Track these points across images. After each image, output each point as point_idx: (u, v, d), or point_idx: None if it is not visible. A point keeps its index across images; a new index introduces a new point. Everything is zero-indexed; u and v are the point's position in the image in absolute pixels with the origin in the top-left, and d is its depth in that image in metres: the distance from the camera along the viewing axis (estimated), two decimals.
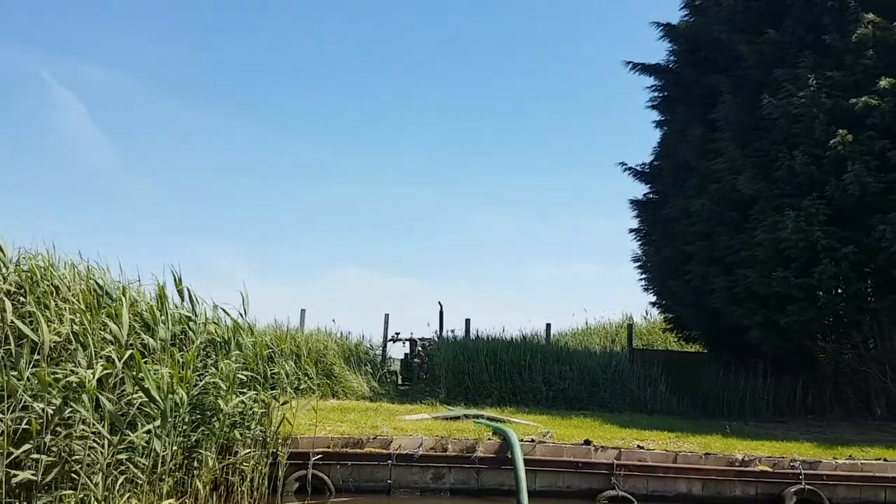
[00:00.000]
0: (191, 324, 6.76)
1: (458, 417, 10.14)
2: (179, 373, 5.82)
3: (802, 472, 8.37)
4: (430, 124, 43.66)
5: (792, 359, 14.45)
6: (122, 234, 37.14)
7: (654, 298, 18.40)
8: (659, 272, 16.74)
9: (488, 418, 10.19)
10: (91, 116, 39.27)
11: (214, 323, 7.17)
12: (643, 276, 18.28)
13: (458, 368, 14.06)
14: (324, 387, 13.52)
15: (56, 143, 37.32)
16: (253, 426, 7.00)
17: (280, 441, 7.53)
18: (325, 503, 7.49)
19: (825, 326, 12.41)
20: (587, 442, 8.47)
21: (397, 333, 17.59)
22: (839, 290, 12.08)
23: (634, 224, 18.48)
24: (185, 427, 5.92)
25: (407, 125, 42.94)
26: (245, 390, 6.73)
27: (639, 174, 18.31)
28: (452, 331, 16.71)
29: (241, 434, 6.70)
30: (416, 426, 9.03)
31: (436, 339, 16.67)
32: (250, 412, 6.90)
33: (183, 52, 40.78)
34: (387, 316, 17.44)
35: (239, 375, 6.68)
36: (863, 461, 8.66)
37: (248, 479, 6.80)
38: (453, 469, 8.03)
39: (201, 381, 6.25)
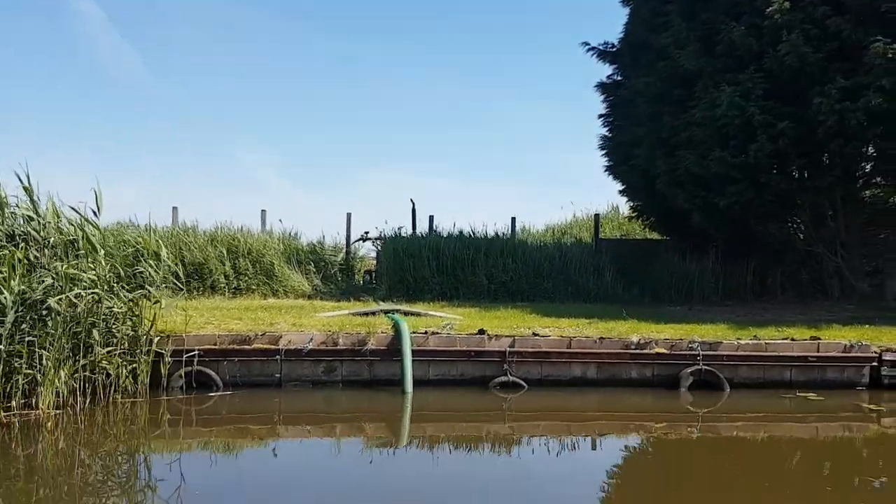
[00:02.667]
0: (32, 223, 6.52)
1: (374, 313, 10.10)
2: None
3: (700, 353, 8.28)
4: None
5: (744, 243, 14.20)
6: (145, 135, 36.74)
7: (620, 186, 17.98)
8: (618, 158, 16.25)
9: (404, 312, 10.14)
10: (111, 20, 37.91)
11: (74, 224, 6.90)
12: (608, 163, 17.74)
13: (400, 265, 13.97)
14: (263, 286, 13.56)
15: (77, 49, 36.27)
16: (118, 326, 6.92)
17: (164, 339, 7.51)
18: (211, 397, 7.54)
19: (768, 207, 12.01)
20: (481, 331, 8.40)
21: (366, 233, 17.49)
22: (778, 169, 11.60)
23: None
24: (13, 329, 5.83)
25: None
26: (96, 291, 6.57)
27: (603, 54, 17.40)
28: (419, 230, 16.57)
29: (100, 334, 6.61)
30: (326, 322, 8.99)
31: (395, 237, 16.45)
32: (108, 312, 6.79)
33: None
34: (349, 215, 17.28)
35: (88, 276, 6.51)
36: (768, 341, 8.54)
37: (115, 377, 6.77)
38: (345, 362, 8.02)
39: (40, 282, 6.11)
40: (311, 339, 7.98)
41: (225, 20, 38.56)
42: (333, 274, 15.42)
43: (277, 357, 7.84)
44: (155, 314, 7.40)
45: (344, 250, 16.67)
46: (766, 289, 14.71)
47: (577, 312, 10.86)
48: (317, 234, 16.40)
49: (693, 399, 8.06)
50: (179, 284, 7.63)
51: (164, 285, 11.42)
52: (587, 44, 17.26)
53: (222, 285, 13.32)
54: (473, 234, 15.43)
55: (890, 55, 9.65)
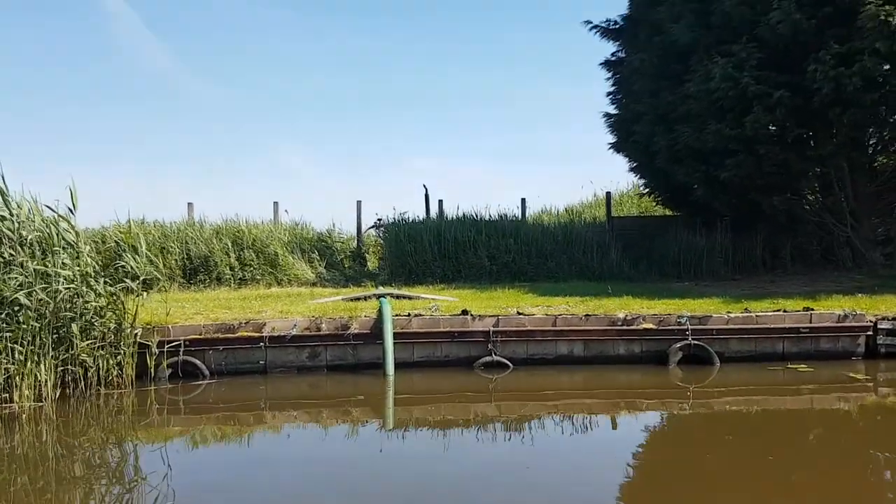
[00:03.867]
0: (6, 223, 6.64)
1: (366, 297, 10.16)
2: None
3: (689, 327, 8.17)
4: None
5: (752, 216, 13.92)
6: (185, 135, 37.28)
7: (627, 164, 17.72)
8: (622, 135, 16.01)
9: (396, 296, 10.19)
10: (145, 22, 38.37)
11: (50, 223, 7.00)
12: (613, 140, 17.47)
13: (401, 250, 14.00)
14: (267, 276, 13.70)
15: (114, 51, 36.83)
16: (99, 319, 7.04)
17: (150, 331, 7.64)
18: (198, 386, 7.66)
19: (770, 179, 11.74)
20: (465, 312, 8.38)
21: (379, 220, 17.55)
22: (778, 140, 11.32)
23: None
24: None
25: None
26: (72, 286, 6.69)
27: (606, 32, 17.11)
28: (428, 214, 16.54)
29: (79, 328, 6.74)
30: (316, 308, 9.06)
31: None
32: (87, 306, 6.91)
33: None
34: (359, 203, 17.35)
35: (64, 272, 6.63)
36: (759, 314, 8.39)
37: (97, 370, 6.91)
38: (329, 347, 8.08)
39: (13, 279, 6.24)
40: (295, 325, 8.05)
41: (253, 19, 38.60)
42: (340, 261, 15.51)
43: (262, 344, 7.93)
44: (137, 307, 7.51)
45: (355, 238, 16.78)
46: (776, 262, 14.42)
47: (574, 291, 10.81)
48: (328, 223, 16.57)
49: (682, 374, 7.97)
50: (159, 276, 7.69)
51: (163, 279, 11.69)
52: (589, 22, 17.02)
53: (227, 277, 13.49)
54: (477, 216, 15.37)
55: (882, 17, 9.33)
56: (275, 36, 38.87)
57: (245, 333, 7.98)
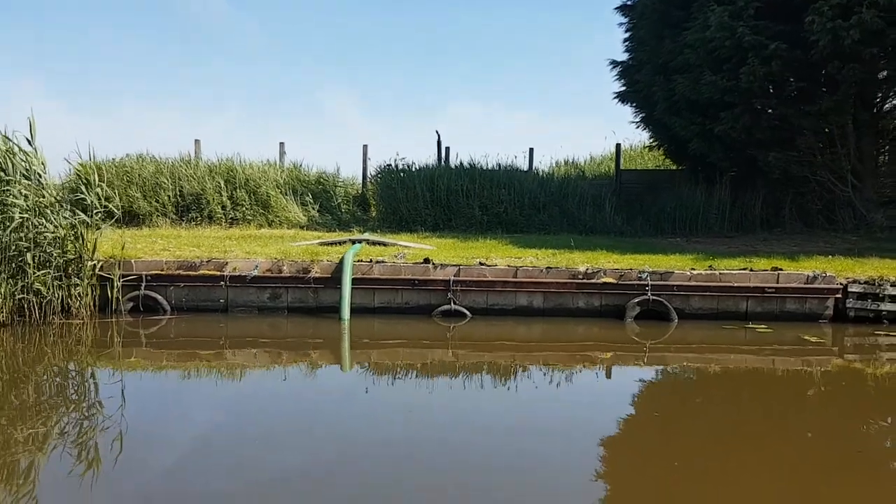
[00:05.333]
0: None
1: (342, 242, 10.20)
2: None
3: (650, 283, 8.08)
4: None
5: (753, 173, 13.57)
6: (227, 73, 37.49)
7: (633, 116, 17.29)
8: (628, 84, 15.59)
9: (372, 242, 10.21)
10: None
11: (5, 153, 7.08)
12: (620, 89, 16.97)
13: (392, 197, 13.98)
14: (259, 217, 13.82)
15: None
16: (57, 250, 7.19)
17: (112, 264, 7.81)
18: (158, 321, 7.84)
19: (767, 134, 11.37)
20: (426, 260, 8.39)
21: (388, 165, 17.49)
22: (775, 93, 10.91)
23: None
24: None
25: None
26: (26, 215, 6.81)
27: None
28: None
29: (33, 258, 6.91)
30: (286, 250, 9.14)
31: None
32: (41, 236, 7.05)
33: None
34: (365, 147, 17.29)
35: (19, 202, 6.75)
36: (723, 272, 8.25)
37: (52, 300, 7.10)
38: (290, 289, 8.18)
39: None
40: (257, 266, 8.14)
41: None
42: (338, 206, 15.53)
43: (222, 283, 8.05)
44: (96, 240, 7.65)
45: (360, 183, 16.75)
46: (776, 220, 14.08)
47: (556, 244, 10.71)
48: (332, 167, 16.58)
49: (639, 329, 7.92)
50: (115, 210, 7.78)
51: (155, 214, 11.83)
52: None
53: (219, 215, 13.65)
54: (473, 165, 15.21)
55: None
56: None
57: (206, 272, 8.10)
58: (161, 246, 8.95)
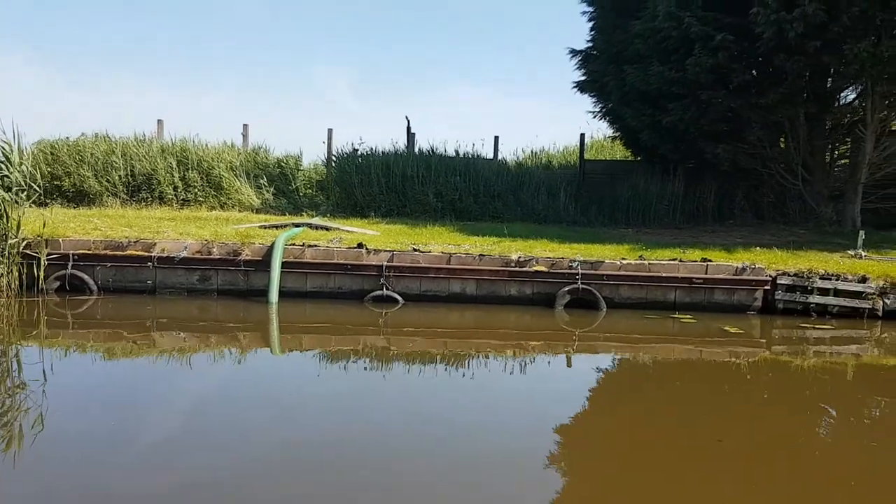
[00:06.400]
0: None
1: (285, 226, 10.15)
2: None
3: (580, 272, 8.12)
4: None
5: (706, 164, 13.64)
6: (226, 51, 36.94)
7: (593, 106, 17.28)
8: (587, 73, 15.56)
9: (315, 226, 10.17)
10: None
11: None
12: (580, 79, 16.88)
13: (347, 182, 13.92)
14: (211, 199, 13.70)
15: None
16: None
17: (39, 243, 7.71)
18: (85, 301, 7.77)
19: (715, 126, 11.42)
20: (360, 245, 8.37)
21: (356, 149, 17.39)
22: (722, 85, 10.95)
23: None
24: None
25: None
26: None
27: None
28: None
29: None
30: (229, 233, 9.07)
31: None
32: None
33: None
34: (329, 131, 17.17)
35: None
36: (653, 262, 8.31)
37: None
38: (220, 271, 8.13)
39: None
40: (186, 247, 8.08)
41: None
42: (296, 189, 15.42)
43: (150, 264, 7.98)
44: (19, 218, 7.55)
45: (323, 166, 16.65)
46: (728, 212, 14.22)
47: (503, 232, 10.73)
48: (295, 150, 16.45)
49: (569, 318, 7.97)
50: (37, 188, 7.67)
51: (106, 194, 11.69)
52: None
53: (170, 196, 13.52)
54: (432, 151, 15.18)
55: None
56: None
57: (134, 252, 8.02)
58: (94, 226, 8.84)
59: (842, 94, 12.93)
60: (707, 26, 10.25)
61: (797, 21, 9.41)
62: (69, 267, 7.82)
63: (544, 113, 36.91)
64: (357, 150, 15.12)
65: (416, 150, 15.82)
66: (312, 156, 16.50)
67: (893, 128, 12.62)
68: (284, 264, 8.00)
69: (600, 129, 24.15)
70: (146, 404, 4.82)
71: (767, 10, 9.56)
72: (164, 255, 8.02)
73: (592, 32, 16.21)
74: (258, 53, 37.81)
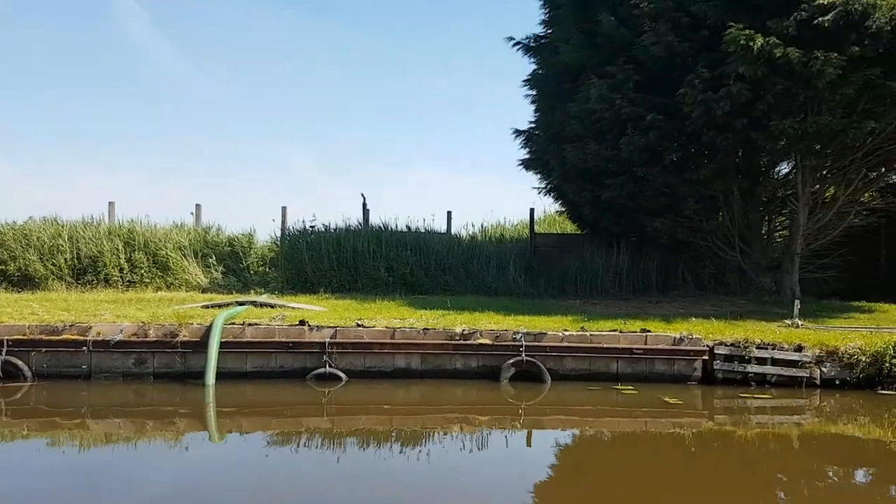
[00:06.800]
0: None
1: (227, 304, 10.06)
2: None
3: (524, 344, 8.19)
4: None
5: (649, 237, 14.06)
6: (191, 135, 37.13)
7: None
8: (531, 152, 16.09)
9: (259, 304, 10.11)
10: (153, 21, 37.98)
11: None
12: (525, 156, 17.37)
13: (298, 258, 13.96)
14: (157, 279, 13.55)
15: (124, 49, 36.61)
16: None
17: None
18: (20, 388, 7.52)
19: (653, 201, 11.87)
20: (302, 322, 8.33)
21: (312, 226, 17.43)
22: (656, 162, 11.43)
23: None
24: None
25: None
26: None
27: (527, 49, 17.17)
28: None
29: None
30: (167, 314, 8.94)
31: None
32: None
33: None
34: (283, 209, 17.24)
35: None
36: (594, 333, 8.44)
37: None
38: (156, 354, 7.97)
39: None
40: (121, 330, 7.93)
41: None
42: (247, 267, 15.34)
43: (85, 349, 7.80)
44: None
45: (278, 243, 16.63)
46: (671, 283, 14.57)
47: (451, 305, 10.78)
48: (249, 227, 16.45)
49: (514, 391, 7.98)
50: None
51: (52, 278, 11.47)
52: (511, 38, 17.11)
53: (116, 278, 13.34)
54: (385, 226, 15.40)
55: (743, 41, 9.47)
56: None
57: (69, 336, 7.84)
58: (31, 310, 8.66)
59: (775, 168, 13.60)
60: (638, 107, 10.78)
61: (723, 100, 9.97)
62: (3, 353, 7.60)
63: (503, 187, 37.91)
64: (309, 226, 15.26)
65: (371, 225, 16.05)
66: (270, 233, 16.55)
67: (827, 199, 13.26)
68: (224, 344, 7.89)
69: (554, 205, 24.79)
70: (72, 499, 4.65)
71: (694, 90, 10.12)
72: (100, 338, 7.84)
73: (536, 114, 16.96)
74: (223, 133, 38.25)
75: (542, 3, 14.42)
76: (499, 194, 37.48)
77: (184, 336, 7.97)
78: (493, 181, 40.81)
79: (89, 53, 35.64)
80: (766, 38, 9.49)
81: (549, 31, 15.46)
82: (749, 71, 9.74)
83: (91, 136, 35.82)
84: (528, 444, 6.53)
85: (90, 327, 7.94)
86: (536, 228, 20.00)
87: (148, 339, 7.94)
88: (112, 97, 35.55)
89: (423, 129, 41.69)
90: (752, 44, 9.52)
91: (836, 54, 9.55)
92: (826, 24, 9.60)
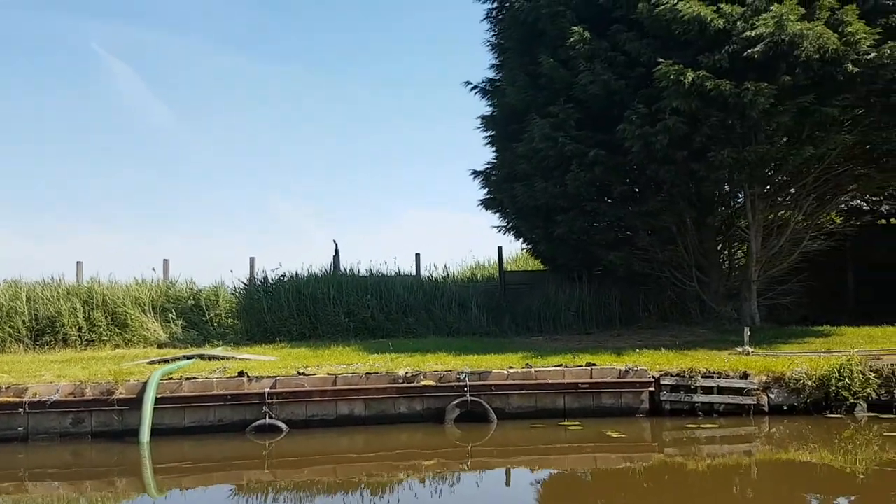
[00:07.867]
0: None
1: (175, 359, 9.94)
2: None
3: (468, 383, 8.13)
4: None
5: (606, 271, 14.13)
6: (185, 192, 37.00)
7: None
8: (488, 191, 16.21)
9: (208, 357, 10.00)
10: (145, 82, 38.18)
11: None
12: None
13: (257, 308, 13.88)
14: (116, 337, 13.40)
15: (118, 110, 36.88)
16: None
17: None
18: None
19: (605, 234, 11.96)
20: (241, 374, 8.24)
21: (277, 275, 17.35)
22: (602, 196, 11.57)
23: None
24: None
25: None
26: None
27: (484, 92, 17.47)
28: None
29: None
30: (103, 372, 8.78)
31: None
32: None
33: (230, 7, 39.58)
34: (252, 259, 17.20)
35: None
36: (538, 369, 8.40)
37: None
38: (94, 412, 7.83)
39: None
40: (58, 389, 7.81)
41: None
42: (210, 320, 15.19)
43: (21, 410, 7.66)
44: None
45: (242, 294, 16.52)
46: (633, 316, 14.57)
47: (408, 348, 10.70)
48: (217, 279, 16.35)
49: (460, 433, 7.90)
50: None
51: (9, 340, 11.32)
52: (469, 83, 17.40)
53: (74, 338, 13.18)
54: (346, 272, 15.37)
55: (673, 76, 9.69)
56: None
57: (5, 399, 7.72)
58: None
59: (728, 197, 13.76)
60: (580, 144, 10.94)
61: (661, 134, 10.13)
62: None
63: (479, 227, 38.12)
64: (273, 275, 15.21)
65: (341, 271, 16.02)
66: (237, 283, 16.47)
67: (781, 225, 13.38)
68: (162, 399, 7.78)
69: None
70: None
71: (633, 125, 10.29)
72: (36, 399, 7.72)
73: (494, 154, 17.19)
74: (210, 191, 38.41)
75: (490, 48, 14.71)
76: (481, 233, 37.75)
77: (120, 393, 7.85)
78: (476, 221, 41.16)
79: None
80: (697, 72, 9.70)
81: (499, 74, 15.85)
82: (683, 104, 9.93)
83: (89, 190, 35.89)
84: (477, 486, 6.47)
85: (26, 388, 7.82)
86: (512, 266, 20.10)
87: (85, 397, 7.82)
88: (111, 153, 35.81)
89: (402, 169, 42.15)
90: (682, 78, 9.73)
91: (766, 84, 9.77)
92: (756, 56, 9.84)
